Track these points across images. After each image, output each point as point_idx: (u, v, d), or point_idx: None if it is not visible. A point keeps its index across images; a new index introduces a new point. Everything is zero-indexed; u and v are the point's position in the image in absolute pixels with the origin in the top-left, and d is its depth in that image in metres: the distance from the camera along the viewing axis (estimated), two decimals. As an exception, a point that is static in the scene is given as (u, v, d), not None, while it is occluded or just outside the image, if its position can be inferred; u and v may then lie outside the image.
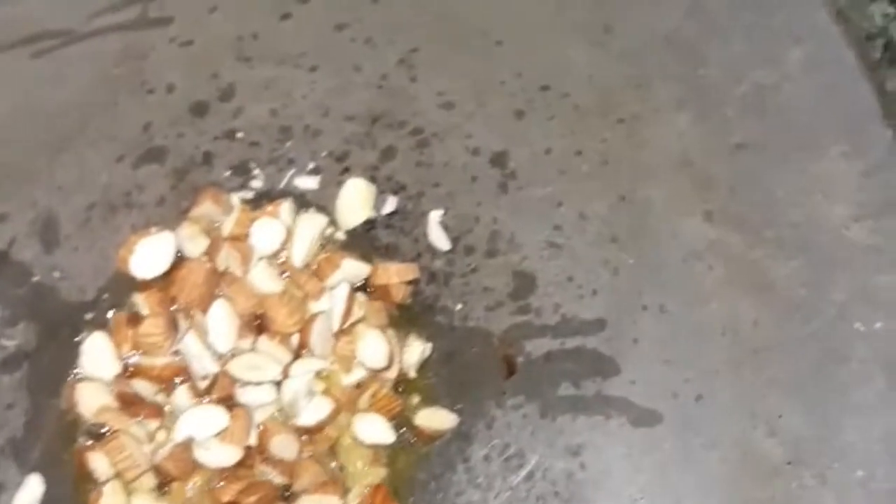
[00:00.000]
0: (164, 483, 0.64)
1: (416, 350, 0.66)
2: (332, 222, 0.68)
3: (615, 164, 0.68)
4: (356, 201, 0.68)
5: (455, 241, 0.68)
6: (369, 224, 0.68)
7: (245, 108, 0.71)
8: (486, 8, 0.72)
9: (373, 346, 0.65)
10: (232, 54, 0.72)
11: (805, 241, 0.66)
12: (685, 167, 0.68)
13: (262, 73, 0.72)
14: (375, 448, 0.64)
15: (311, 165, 0.70)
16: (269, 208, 0.68)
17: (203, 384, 0.64)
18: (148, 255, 0.67)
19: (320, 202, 0.69)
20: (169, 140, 0.71)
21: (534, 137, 0.69)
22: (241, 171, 0.70)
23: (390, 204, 0.69)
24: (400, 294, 0.67)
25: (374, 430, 0.64)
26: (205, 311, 0.65)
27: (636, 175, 0.68)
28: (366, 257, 0.67)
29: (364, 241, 0.68)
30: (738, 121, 0.69)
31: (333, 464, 0.65)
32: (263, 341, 0.65)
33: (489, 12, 0.72)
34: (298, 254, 0.66)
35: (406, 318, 0.67)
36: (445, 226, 0.68)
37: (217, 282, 0.66)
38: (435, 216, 0.68)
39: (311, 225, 0.67)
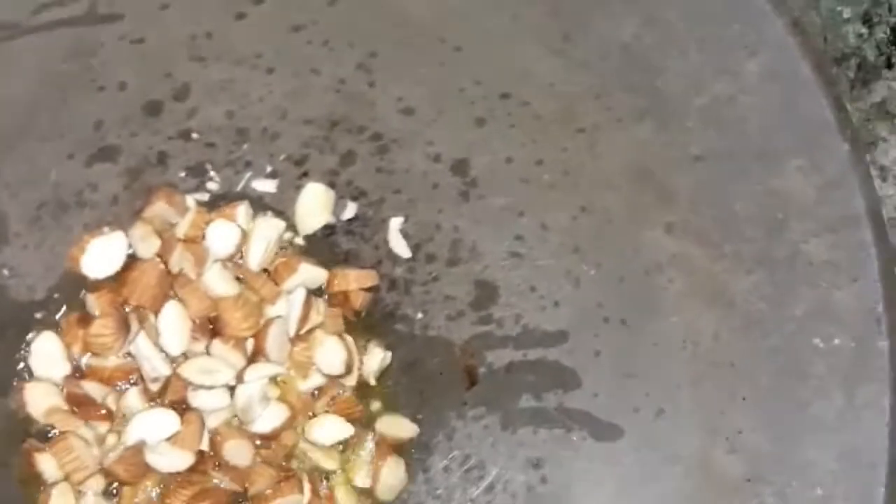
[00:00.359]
0: (114, 487, 0.63)
1: (377, 357, 0.65)
2: (291, 227, 0.67)
3: (576, 174, 0.68)
4: (315, 206, 0.67)
5: (416, 248, 0.67)
6: (329, 230, 0.67)
7: (200, 109, 0.70)
8: (445, 14, 0.71)
9: (330, 353, 0.65)
10: (185, 53, 0.71)
11: (764, 256, 0.66)
12: (646, 178, 0.68)
13: (217, 73, 0.70)
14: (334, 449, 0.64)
15: (268, 169, 0.69)
16: (226, 210, 0.66)
17: (155, 387, 0.64)
18: (100, 255, 0.66)
19: (278, 206, 0.68)
20: (122, 139, 0.69)
21: (495, 146, 0.69)
22: (197, 173, 0.69)
23: (350, 210, 0.68)
24: (359, 301, 0.66)
25: (332, 428, 0.63)
26: (157, 312, 0.65)
27: (597, 185, 0.68)
28: (325, 264, 0.66)
29: (323, 247, 0.67)
30: (697, 132, 0.69)
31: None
32: (217, 345, 0.64)
33: (447, 19, 0.71)
34: (255, 257, 0.65)
35: (366, 326, 0.66)
36: (406, 233, 0.67)
37: (170, 283, 0.65)
38: (395, 223, 0.67)
39: (268, 227, 0.66)
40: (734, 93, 0.70)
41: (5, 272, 0.66)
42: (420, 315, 0.66)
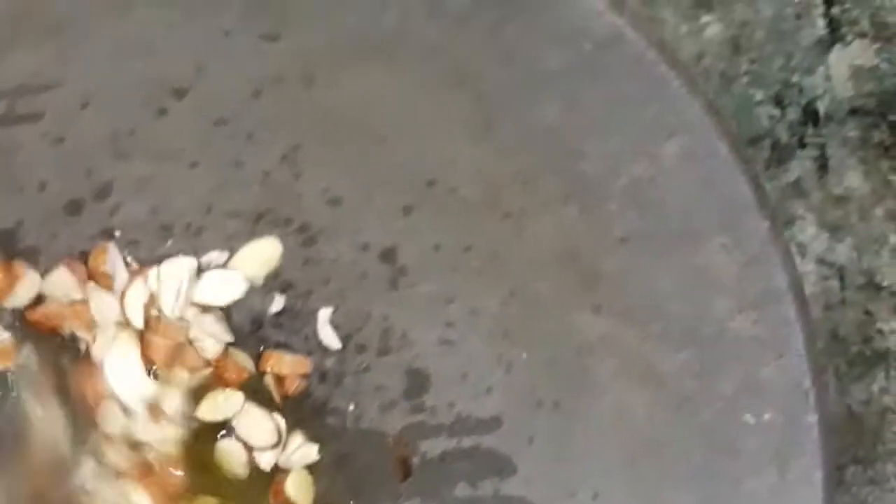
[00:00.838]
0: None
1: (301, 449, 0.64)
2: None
3: (504, 259, 0.68)
4: (262, 259, 0.68)
5: (346, 339, 0.67)
6: (256, 324, 0.67)
7: (122, 206, 0.69)
8: (368, 104, 0.71)
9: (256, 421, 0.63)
10: (107, 151, 0.70)
11: (691, 334, 0.67)
12: (572, 261, 0.68)
13: (139, 169, 0.70)
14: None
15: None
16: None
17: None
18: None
19: (204, 301, 0.67)
20: (41, 240, 0.68)
21: (423, 233, 0.69)
22: (120, 271, 0.68)
23: (278, 303, 0.67)
24: (293, 386, 0.65)
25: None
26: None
27: (525, 270, 0.68)
28: (255, 357, 0.66)
29: (252, 341, 0.67)
30: (620, 215, 0.69)
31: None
32: None
33: (371, 108, 0.71)
34: (168, 303, 0.65)
35: (295, 420, 0.65)
36: (336, 324, 0.67)
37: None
38: (324, 314, 0.67)
39: (178, 269, 0.65)
40: (654, 174, 0.71)
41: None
42: (352, 407, 0.66)
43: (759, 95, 0.73)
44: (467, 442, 0.65)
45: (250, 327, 0.67)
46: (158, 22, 0.69)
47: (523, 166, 0.71)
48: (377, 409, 0.66)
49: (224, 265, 0.68)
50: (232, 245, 0.68)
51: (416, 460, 0.65)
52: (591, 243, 0.69)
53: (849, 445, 0.80)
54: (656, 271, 0.69)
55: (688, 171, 0.72)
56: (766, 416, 0.65)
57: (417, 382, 0.66)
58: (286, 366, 0.66)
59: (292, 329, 0.67)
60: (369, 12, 0.70)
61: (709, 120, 0.73)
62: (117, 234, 0.69)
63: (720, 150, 0.72)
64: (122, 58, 0.69)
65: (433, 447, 0.65)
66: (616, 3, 0.71)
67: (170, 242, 0.68)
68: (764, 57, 0.73)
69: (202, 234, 0.69)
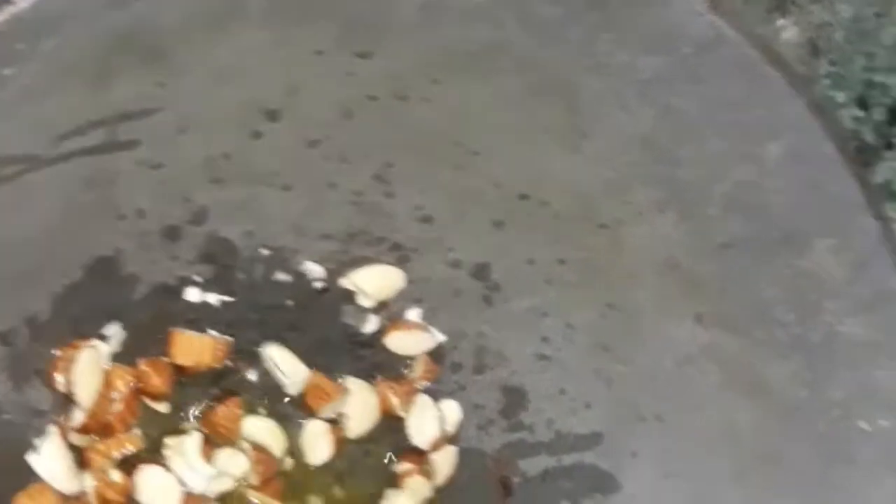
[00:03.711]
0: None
1: None
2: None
3: (600, 271, 0.67)
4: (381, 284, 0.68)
5: (441, 358, 0.66)
6: (353, 344, 0.66)
7: (218, 231, 0.69)
8: (460, 119, 0.71)
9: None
10: (203, 176, 0.70)
11: (799, 340, 0.65)
12: (672, 270, 0.67)
13: (234, 194, 0.70)
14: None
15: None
16: None
17: None
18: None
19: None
20: (141, 267, 0.69)
21: (515, 248, 0.68)
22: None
23: (372, 323, 0.67)
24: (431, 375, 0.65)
25: None
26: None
27: (622, 281, 0.67)
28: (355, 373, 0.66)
29: (347, 361, 0.66)
30: (721, 220, 0.68)
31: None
32: None
33: (463, 123, 0.71)
34: None
35: (392, 442, 0.65)
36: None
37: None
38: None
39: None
40: (757, 177, 0.69)
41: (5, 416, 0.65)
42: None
43: (841, 97, 0.71)
44: (568, 459, 0.64)
45: (347, 347, 0.67)
46: (252, 45, 0.69)
47: (617, 175, 0.69)
48: (475, 429, 0.65)
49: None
50: (327, 266, 0.68)
51: (516, 480, 0.64)
52: (690, 251, 0.68)
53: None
54: (760, 277, 0.67)
55: (793, 172, 0.70)
56: (883, 423, 0.63)
57: (514, 400, 0.66)
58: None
59: (386, 349, 0.67)
60: (461, 26, 0.70)
61: (814, 119, 0.71)
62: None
63: (826, 150, 0.70)
64: (217, 81, 0.69)
65: (533, 465, 0.64)
66: (714, 1, 0.69)
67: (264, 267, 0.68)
68: (844, 58, 0.70)
69: (296, 257, 0.68)
